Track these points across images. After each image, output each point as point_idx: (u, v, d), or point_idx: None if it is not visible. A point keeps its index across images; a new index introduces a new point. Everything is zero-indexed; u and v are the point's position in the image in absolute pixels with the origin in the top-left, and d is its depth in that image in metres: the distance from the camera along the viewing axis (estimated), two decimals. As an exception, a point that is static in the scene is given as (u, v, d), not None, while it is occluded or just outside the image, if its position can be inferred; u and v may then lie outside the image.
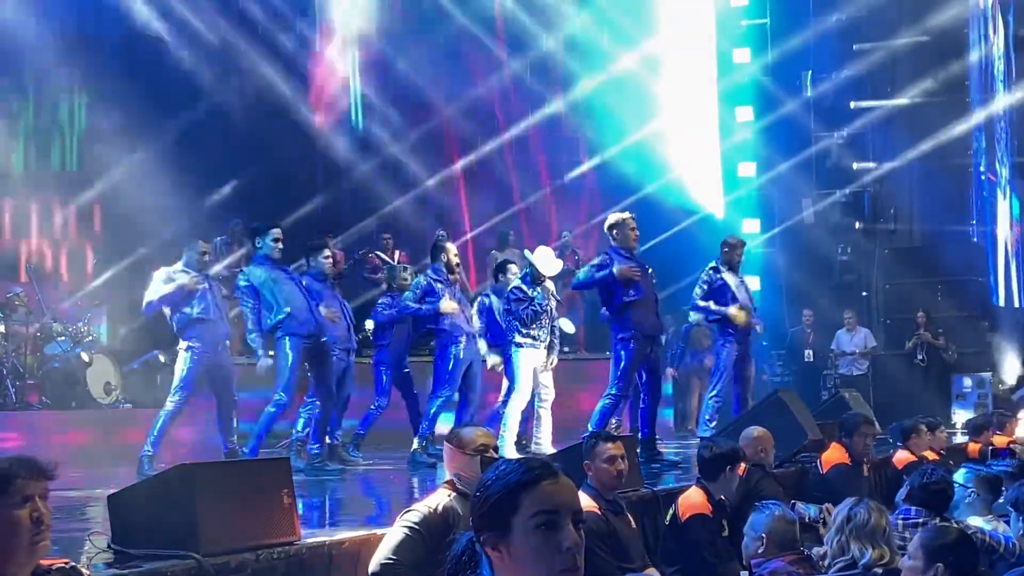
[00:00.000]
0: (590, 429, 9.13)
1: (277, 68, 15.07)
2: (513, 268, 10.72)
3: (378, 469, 10.13)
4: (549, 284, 9.98)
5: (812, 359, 16.41)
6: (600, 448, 5.59)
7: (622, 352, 9.31)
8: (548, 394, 9.76)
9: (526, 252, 10.57)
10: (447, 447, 4.78)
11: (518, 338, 9.57)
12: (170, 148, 13.08)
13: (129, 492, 4.91)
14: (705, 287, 10.53)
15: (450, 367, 9.90)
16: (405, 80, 16.28)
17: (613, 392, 9.34)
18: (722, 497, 6.25)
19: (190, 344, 8.96)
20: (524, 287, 9.71)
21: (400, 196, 16.10)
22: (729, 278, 10.57)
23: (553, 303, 9.95)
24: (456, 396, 10.11)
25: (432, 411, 9.96)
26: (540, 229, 16.52)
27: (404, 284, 13.74)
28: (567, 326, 13.11)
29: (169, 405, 8.98)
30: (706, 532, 6.07)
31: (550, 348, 9.77)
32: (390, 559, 4.45)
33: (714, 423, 10.34)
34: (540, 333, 9.63)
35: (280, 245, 9.09)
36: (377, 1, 16.14)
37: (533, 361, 9.60)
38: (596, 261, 9.58)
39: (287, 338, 8.91)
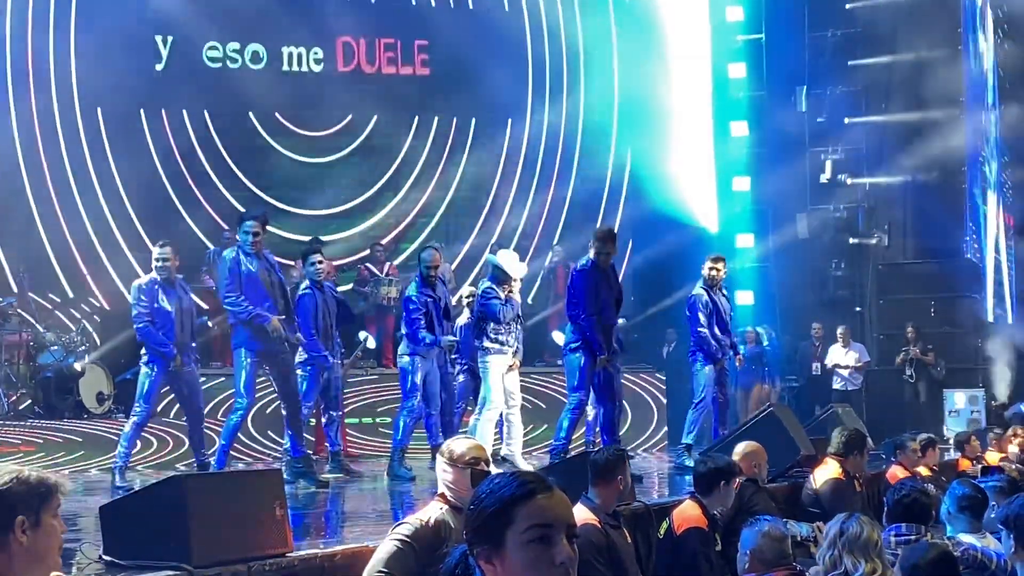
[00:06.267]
0: (561, 438, 9.25)
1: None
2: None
3: (369, 481, 10.12)
4: (516, 295, 10.07)
5: (820, 372, 16.37)
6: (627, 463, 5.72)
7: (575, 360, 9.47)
8: (515, 399, 9.87)
9: (488, 256, 10.62)
10: (439, 460, 4.77)
11: (486, 343, 9.69)
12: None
13: (121, 503, 4.91)
14: (707, 312, 10.58)
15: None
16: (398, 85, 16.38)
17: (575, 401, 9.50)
18: (716, 512, 6.25)
19: (151, 358, 8.86)
20: (495, 286, 9.78)
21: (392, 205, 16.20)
22: (714, 298, 10.70)
23: (519, 307, 10.13)
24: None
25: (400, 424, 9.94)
26: (532, 239, 16.54)
27: (387, 295, 13.88)
28: (560, 339, 13.14)
29: (134, 417, 8.94)
30: (702, 545, 6.07)
31: (515, 352, 9.91)
32: (382, 572, 4.43)
33: (694, 432, 10.48)
34: (508, 338, 9.76)
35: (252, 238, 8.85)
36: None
37: (501, 367, 9.70)
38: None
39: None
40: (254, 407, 9.46)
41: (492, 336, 9.68)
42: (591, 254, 9.53)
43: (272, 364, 9.01)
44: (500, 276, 9.86)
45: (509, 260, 10.04)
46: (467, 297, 11.36)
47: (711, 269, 10.75)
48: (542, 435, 12.27)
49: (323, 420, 10.38)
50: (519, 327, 10.04)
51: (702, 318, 10.56)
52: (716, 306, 10.66)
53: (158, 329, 8.80)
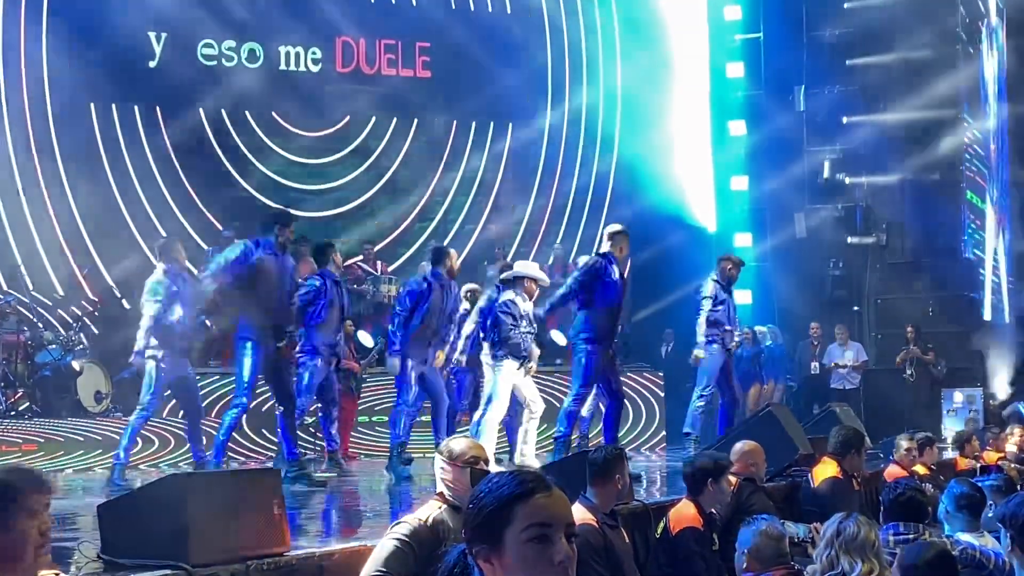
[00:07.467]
0: (561, 431, 9.15)
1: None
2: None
3: (367, 480, 10.12)
4: (529, 305, 9.86)
5: (818, 371, 16.37)
6: (625, 462, 5.68)
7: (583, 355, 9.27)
8: (537, 406, 9.72)
9: (519, 265, 10.44)
10: (438, 459, 4.77)
11: (499, 350, 9.54)
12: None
13: (119, 502, 4.90)
14: (711, 302, 10.56)
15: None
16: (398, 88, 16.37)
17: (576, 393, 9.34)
18: (712, 511, 6.25)
19: (154, 353, 8.86)
20: (518, 303, 9.59)
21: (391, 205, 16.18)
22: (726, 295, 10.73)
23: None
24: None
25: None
26: (533, 241, 16.55)
27: (388, 293, 13.84)
28: (559, 338, 13.14)
29: (137, 413, 8.93)
30: (698, 545, 6.07)
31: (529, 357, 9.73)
32: (380, 571, 4.42)
33: (697, 426, 10.41)
34: (521, 343, 9.59)
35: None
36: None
37: (512, 372, 9.55)
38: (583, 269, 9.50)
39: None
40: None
41: (504, 343, 9.51)
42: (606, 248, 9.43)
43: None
44: (525, 285, 9.69)
45: (532, 267, 10.05)
46: (466, 293, 11.31)
47: (733, 268, 10.91)
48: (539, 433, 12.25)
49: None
50: (531, 333, 9.79)
51: (709, 304, 10.59)
52: (727, 302, 10.75)
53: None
